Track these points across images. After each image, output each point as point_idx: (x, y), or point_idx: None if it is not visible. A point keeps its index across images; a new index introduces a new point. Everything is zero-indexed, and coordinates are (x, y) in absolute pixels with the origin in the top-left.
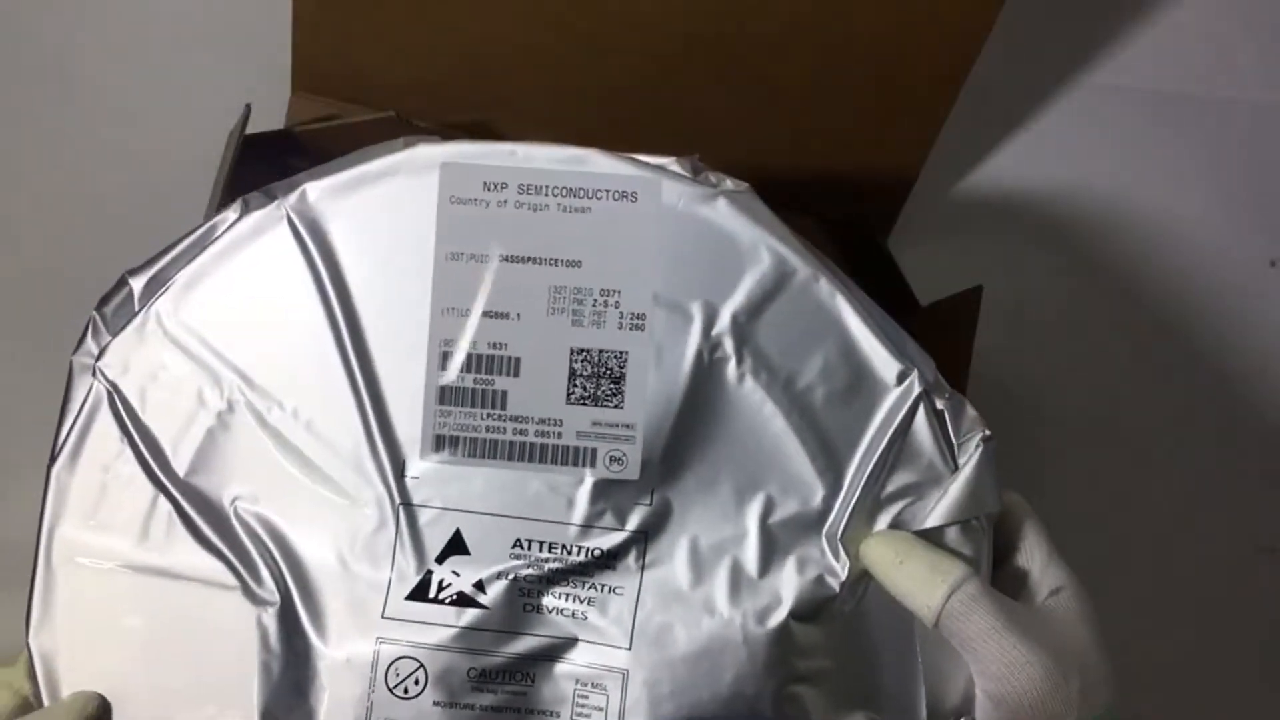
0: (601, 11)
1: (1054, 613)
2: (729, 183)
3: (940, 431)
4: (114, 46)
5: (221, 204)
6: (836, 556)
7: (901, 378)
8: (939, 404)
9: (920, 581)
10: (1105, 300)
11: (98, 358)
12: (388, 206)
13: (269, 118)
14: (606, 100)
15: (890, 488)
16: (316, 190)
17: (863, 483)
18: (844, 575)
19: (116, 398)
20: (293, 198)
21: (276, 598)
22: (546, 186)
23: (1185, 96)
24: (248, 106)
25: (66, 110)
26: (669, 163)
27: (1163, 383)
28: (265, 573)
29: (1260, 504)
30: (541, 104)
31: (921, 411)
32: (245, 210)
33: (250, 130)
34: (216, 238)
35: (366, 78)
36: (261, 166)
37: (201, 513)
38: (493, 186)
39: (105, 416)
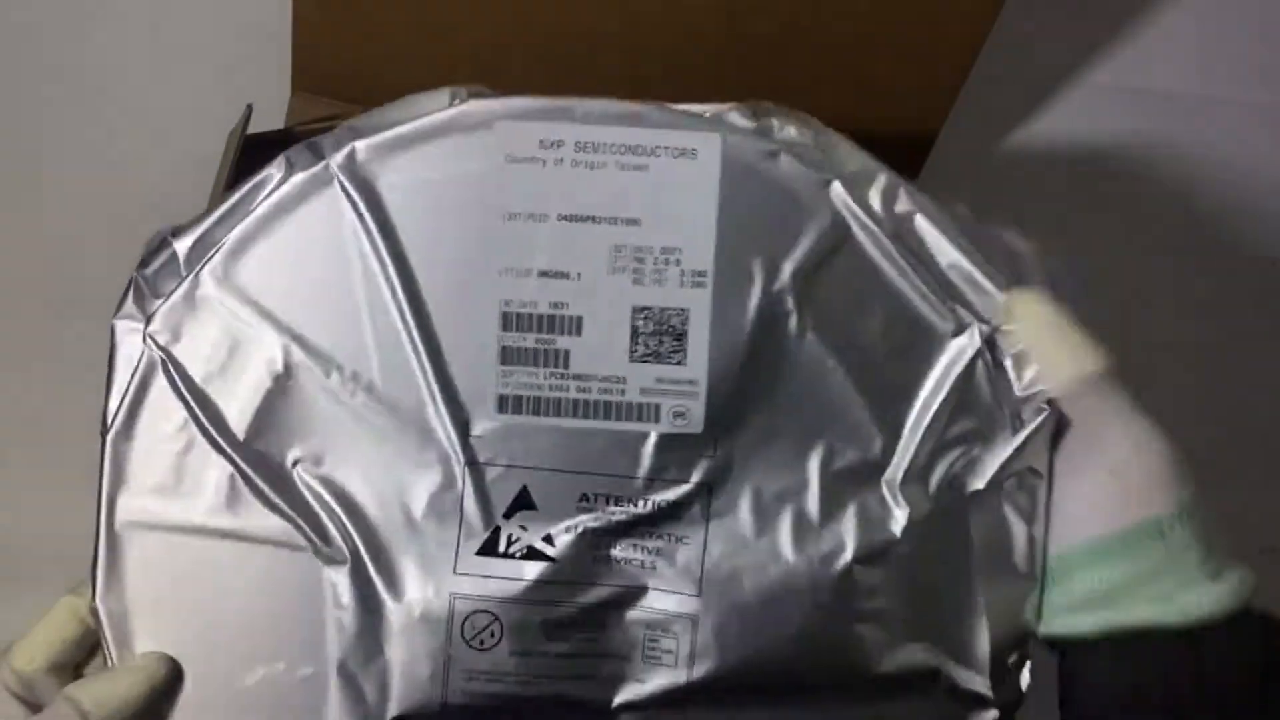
0: (602, 10)
1: None
2: (791, 130)
3: (998, 384)
4: (114, 47)
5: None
6: (897, 502)
7: (959, 330)
8: (997, 355)
9: (1072, 351)
10: (1104, 300)
11: (146, 323)
12: (441, 164)
13: (269, 118)
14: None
15: (949, 435)
16: (365, 149)
17: (922, 431)
18: (904, 520)
19: (170, 365)
20: (340, 156)
21: (346, 556)
22: (604, 144)
23: (1185, 96)
24: (248, 107)
25: (66, 110)
26: (728, 111)
27: (1163, 382)
28: (333, 532)
29: (1262, 504)
30: None
31: (980, 363)
32: (290, 170)
33: (250, 130)
34: (264, 198)
35: (366, 78)
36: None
37: (265, 476)
38: (549, 144)
39: (161, 384)
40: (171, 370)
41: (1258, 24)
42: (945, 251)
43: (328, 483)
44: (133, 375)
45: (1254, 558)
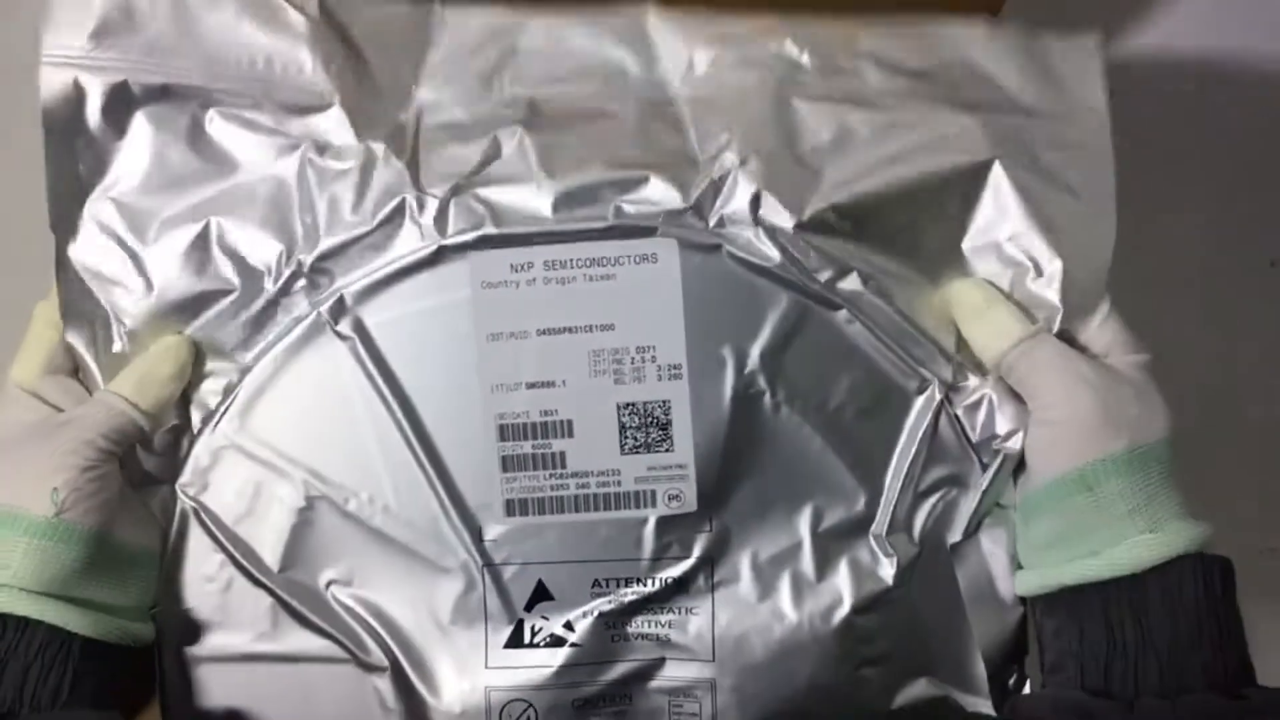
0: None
1: (1111, 361)
2: (740, 219)
3: (961, 432)
4: None
5: None
6: (885, 552)
7: (921, 388)
8: (959, 409)
9: (999, 325)
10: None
11: (177, 469)
12: (422, 298)
13: None
14: None
15: (925, 484)
16: (352, 295)
17: (900, 485)
18: (894, 568)
19: (203, 513)
20: (330, 303)
21: (386, 664)
22: (571, 260)
23: (1185, 96)
24: None
25: None
26: (678, 204)
27: (1162, 383)
28: (371, 644)
29: (1260, 504)
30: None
31: (944, 416)
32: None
33: None
34: (265, 348)
35: None
36: None
37: (302, 601)
38: (520, 268)
39: (197, 532)
40: (204, 518)
41: (1257, 28)
42: (894, 318)
43: (361, 600)
44: (171, 527)
45: (1255, 558)
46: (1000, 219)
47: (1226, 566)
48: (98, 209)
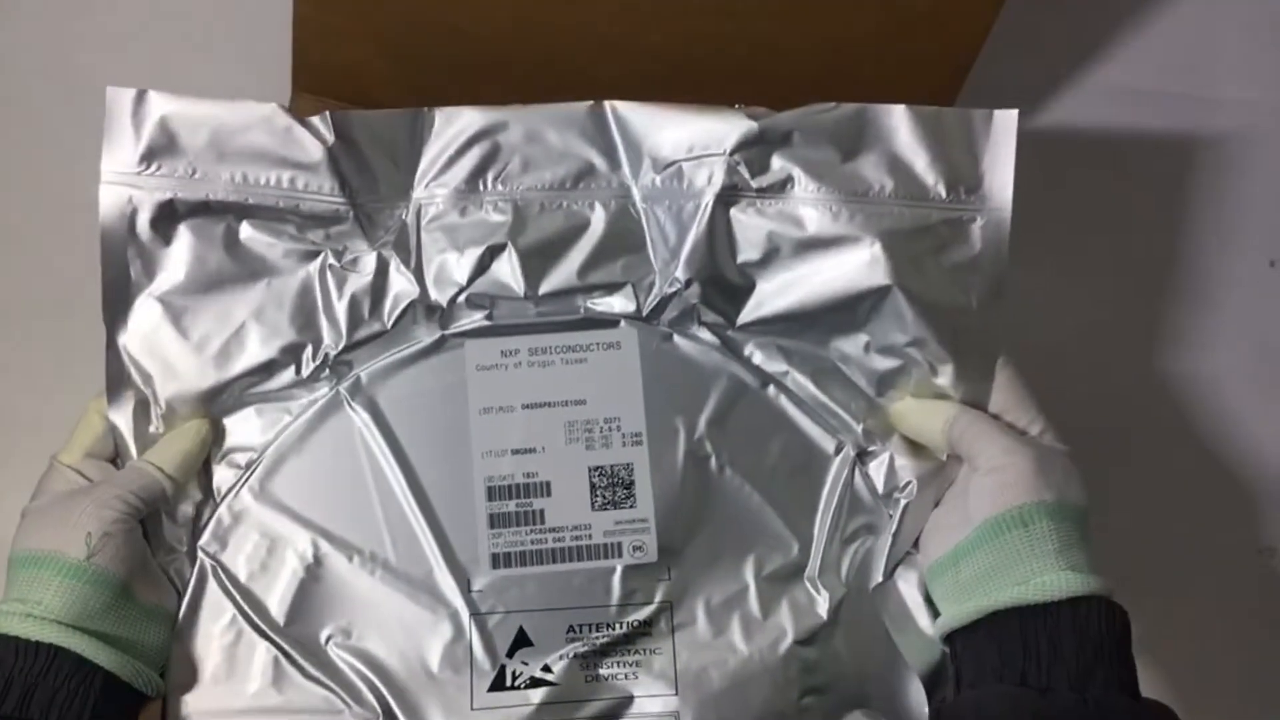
0: (602, 12)
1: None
2: (686, 319)
3: (872, 487)
4: (113, 46)
5: None
6: (818, 592)
7: (839, 449)
8: (869, 468)
9: (930, 411)
10: (1105, 300)
11: (196, 537)
12: (427, 378)
13: None
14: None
15: (848, 532)
16: (368, 375)
17: (826, 534)
18: (827, 605)
19: (221, 571)
20: (348, 382)
21: (379, 711)
22: (551, 347)
23: (1185, 96)
24: None
25: (66, 110)
26: (635, 310)
27: (1163, 383)
28: (366, 694)
29: (1260, 505)
30: (542, 104)
31: (857, 473)
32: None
33: None
34: (289, 423)
35: (366, 78)
36: None
37: (304, 654)
38: (509, 353)
39: (213, 588)
40: (221, 575)
41: (1257, 23)
42: (814, 393)
43: (358, 652)
44: (187, 589)
45: (1254, 558)
46: (900, 328)
47: (1127, 616)
48: (145, 306)
